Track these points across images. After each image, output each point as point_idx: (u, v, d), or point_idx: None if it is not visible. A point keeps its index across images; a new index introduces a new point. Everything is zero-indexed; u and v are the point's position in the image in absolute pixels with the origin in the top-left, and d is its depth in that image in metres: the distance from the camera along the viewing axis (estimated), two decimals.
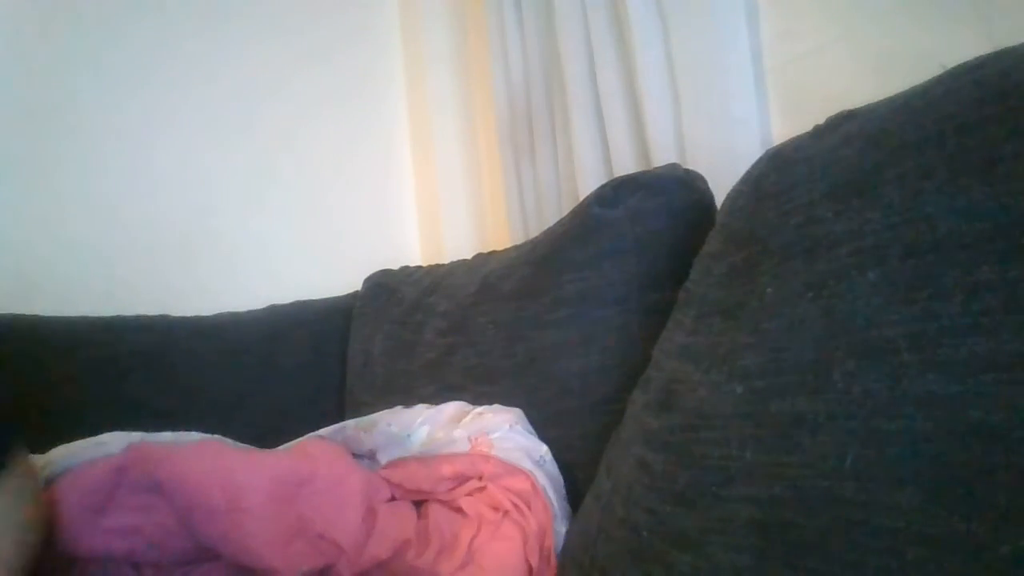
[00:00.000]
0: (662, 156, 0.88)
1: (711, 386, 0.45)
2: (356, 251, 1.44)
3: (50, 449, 0.71)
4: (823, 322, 0.39)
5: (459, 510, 0.66)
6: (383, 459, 0.76)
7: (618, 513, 0.50)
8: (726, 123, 0.82)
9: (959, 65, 0.39)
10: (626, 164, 0.95)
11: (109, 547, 0.61)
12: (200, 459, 0.64)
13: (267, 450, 0.73)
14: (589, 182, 1.00)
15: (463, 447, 0.70)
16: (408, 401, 0.89)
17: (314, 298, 1.29)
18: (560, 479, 0.69)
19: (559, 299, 0.73)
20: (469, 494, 0.67)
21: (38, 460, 0.70)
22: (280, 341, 1.18)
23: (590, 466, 0.61)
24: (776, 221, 0.45)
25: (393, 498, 0.71)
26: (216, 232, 1.34)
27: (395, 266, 1.23)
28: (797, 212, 0.43)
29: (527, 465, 0.67)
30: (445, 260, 1.15)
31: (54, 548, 0.59)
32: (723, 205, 0.54)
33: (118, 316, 1.09)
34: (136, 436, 0.76)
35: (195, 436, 0.80)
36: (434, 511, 0.67)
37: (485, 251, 1.02)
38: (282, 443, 0.81)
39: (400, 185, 1.58)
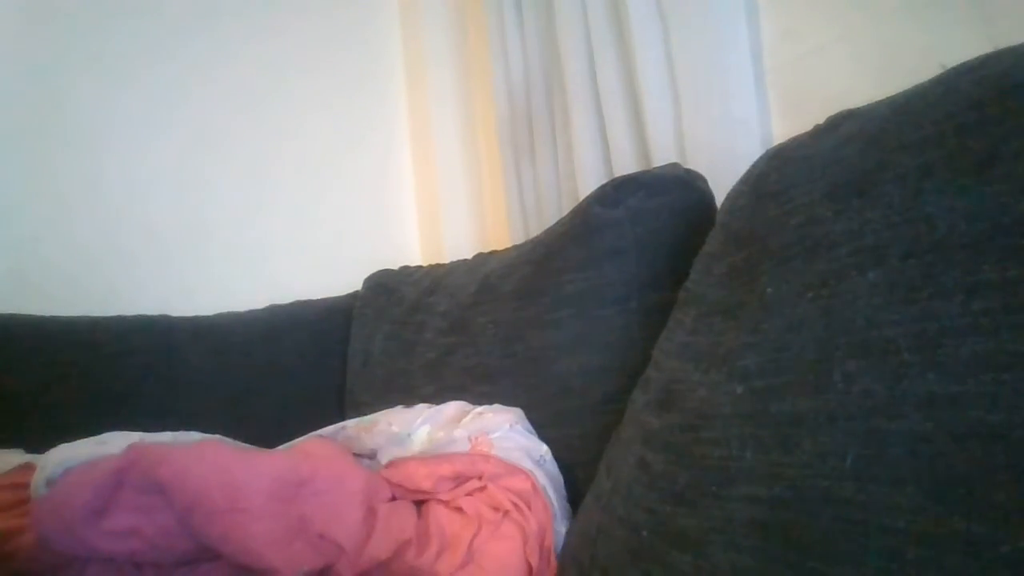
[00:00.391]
0: (662, 156, 0.88)
1: (711, 386, 0.45)
2: (356, 251, 1.44)
3: (50, 449, 0.71)
4: (823, 322, 0.39)
5: (459, 510, 0.66)
6: (383, 459, 0.76)
7: (618, 513, 0.50)
8: (726, 123, 0.82)
9: (959, 65, 0.39)
10: (626, 164, 0.95)
11: (110, 548, 0.61)
12: (200, 459, 0.63)
13: (267, 450, 0.73)
14: (589, 182, 1.00)
15: (463, 447, 0.70)
16: (408, 401, 0.89)
17: (314, 298, 1.29)
18: (560, 479, 0.69)
19: (559, 299, 0.73)
20: (469, 494, 0.67)
21: (38, 460, 0.70)
22: (280, 341, 1.18)
23: (590, 466, 0.61)
24: (776, 221, 0.45)
25: (394, 498, 0.71)
26: (216, 232, 1.34)
27: (395, 266, 1.23)
28: (797, 212, 0.43)
29: (527, 465, 0.67)
30: (445, 260, 1.15)
31: (55, 549, 0.59)
32: (723, 205, 0.54)
33: (118, 316, 1.09)
34: (136, 436, 0.76)
35: (195, 436, 0.80)
36: (434, 511, 0.67)
37: (485, 251, 1.02)
38: (282, 443, 0.81)
39: (400, 185, 1.58)
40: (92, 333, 1.05)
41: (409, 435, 0.78)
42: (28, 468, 0.70)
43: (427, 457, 0.71)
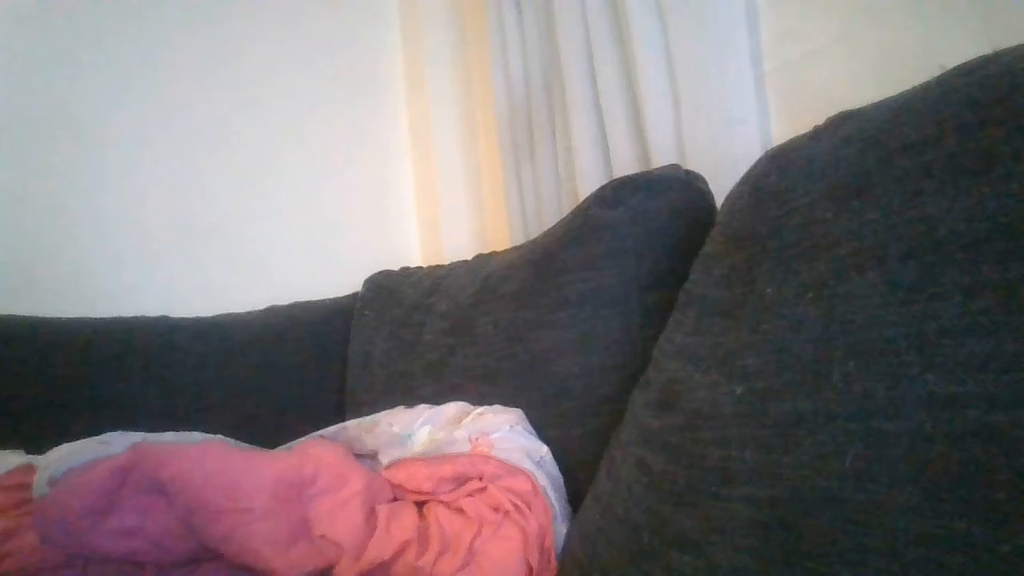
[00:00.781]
0: (662, 156, 0.89)
1: (711, 386, 0.45)
2: (356, 252, 1.44)
3: (50, 450, 0.72)
4: (823, 322, 0.39)
5: (460, 511, 0.66)
6: (384, 459, 0.77)
7: (618, 513, 0.50)
8: (726, 124, 0.82)
9: (959, 65, 0.39)
10: (626, 165, 0.95)
11: (112, 547, 0.62)
12: (202, 460, 0.64)
13: (269, 450, 0.73)
14: (589, 183, 1.00)
15: (464, 447, 0.70)
16: (409, 402, 0.90)
17: (314, 299, 1.29)
18: (560, 479, 0.69)
19: (559, 300, 0.73)
20: (470, 495, 0.67)
21: (38, 461, 0.70)
22: (280, 342, 1.18)
23: (590, 466, 0.61)
24: (776, 221, 0.45)
25: (395, 499, 0.72)
26: (216, 233, 1.34)
27: (395, 267, 1.23)
28: (797, 212, 0.43)
29: (527, 465, 0.67)
30: (445, 261, 1.15)
31: (57, 548, 0.59)
32: (723, 205, 0.54)
33: (118, 317, 1.09)
34: (138, 436, 0.76)
35: (197, 436, 0.80)
36: (435, 512, 0.67)
37: (485, 252, 1.03)
38: (282, 444, 0.81)
39: (400, 186, 1.58)
40: (92, 334, 1.05)
41: (410, 436, 0.78)
42: (28, 469, 0.70)
43: (428, 458, 0.71)
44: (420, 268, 1.18)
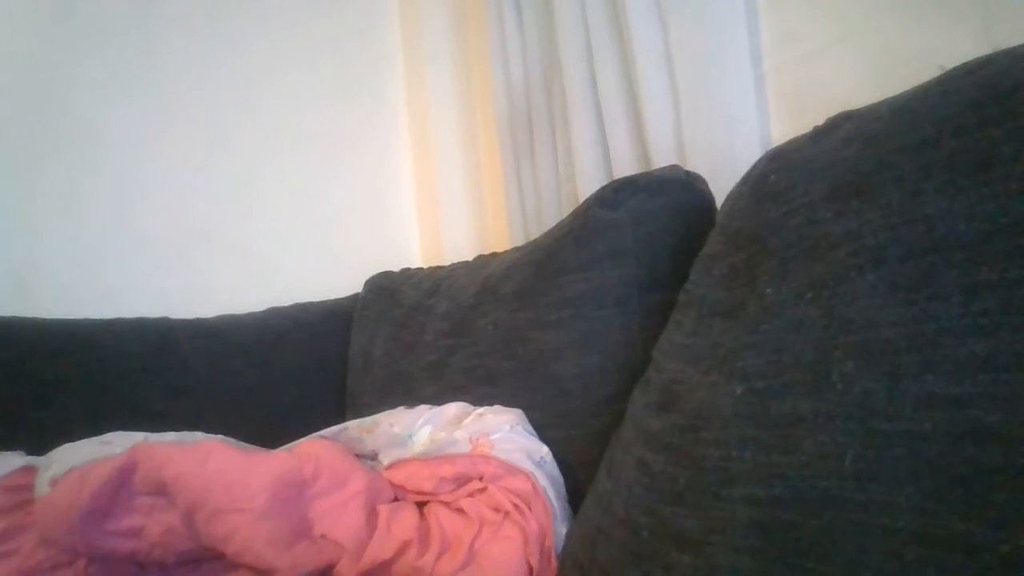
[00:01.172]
0: (662, 157, 0.89)
1: (711, 387, 0.45)
2: (356, 253, 1.44)
3: (50, 450, 0.72)
4: (823, 322, 0.39)
5: (460, 511, 0.66)
6: (385, 460, 0.77)
7: (618, 514, 0.50)
8: (726, 124, 0.82)
9: (958, 66, 0.39)
10: (626, 165, 0.95)
11: (113, 547, 0.62)
12: (203, 460, 0.64)
13: (270, 450, 0.73)
14: (589, 183, 1.00)
15: (464, 448, 0.70)
16: (409, 402, 0.90)
17: (314, 300, 1.29)
18: (561, 480, 0.69)
19: (560, 300, 0.73)
20: (470, 495, 0.67)
21: (39, 462, 0.70)
22: (280, 343, 1.18)
23: (591, 467, 0.62)
24: (776, 222, 0.45)
25: (396, 499, 0.72)
26: (216, 234, 1.34)
27: (395, 268, 1.23)
28: (797, 213, 0.43)
29: (528, 466, 0.67)
30: (445, 261, 1.15)
31: (58, 547, 0.59)
32: (723, 206, 0.54)
33: (118, 318, 1.09)
34: (140, 436, 0.76)
35: (199, 436, 0.80)
36: (436, 512, 0.67)
37: (485, 253, 1.03)
38: (283, 444, 0.81)
39: (400, 187, 1.58)
40: (92, 335, 1.04)
41: (410, 436, 0.78)
42: (29, 471, 0.70)
43: (428, 458, 0.71)
44: (420, 269, 1.18)
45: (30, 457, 0.74)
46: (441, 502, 0.69)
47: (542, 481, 0.66)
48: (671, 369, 0.51)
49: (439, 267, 1.12)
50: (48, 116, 1.20)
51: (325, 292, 1.31)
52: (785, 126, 0.81)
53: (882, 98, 0.44)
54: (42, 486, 0.64)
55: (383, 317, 1.10)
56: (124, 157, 1.26)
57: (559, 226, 0.79)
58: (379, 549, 0.63)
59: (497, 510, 0.64)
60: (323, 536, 0.64)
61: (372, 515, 0.66)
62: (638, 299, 0.68)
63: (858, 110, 0.45)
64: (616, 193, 0.71)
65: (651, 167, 0.89)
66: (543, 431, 0.73)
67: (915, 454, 0.32)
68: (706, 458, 0.43)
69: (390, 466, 0.74)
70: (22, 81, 1.19)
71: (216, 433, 0.82)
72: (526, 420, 0.74)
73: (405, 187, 1.58)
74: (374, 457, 0.79)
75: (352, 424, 0.85)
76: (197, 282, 1.30)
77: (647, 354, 0.57)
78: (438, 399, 0.86)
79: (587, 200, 0.75)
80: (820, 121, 0.48)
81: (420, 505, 0.70)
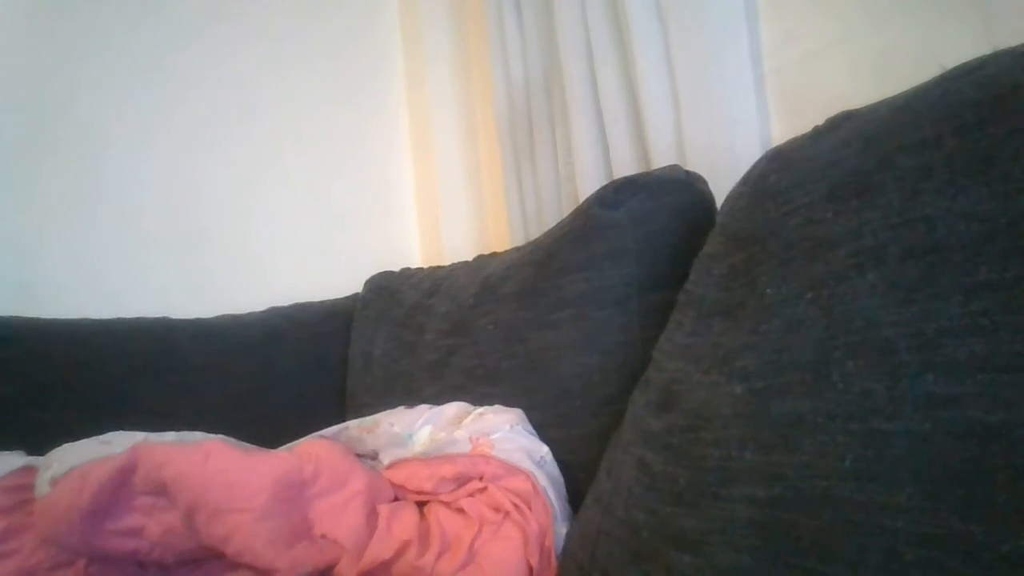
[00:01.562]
0: (662, 157, 0.89)
1: (711, 387, 0.45)
2: (356, 253, 1.44)
3: (50, 450, 0.72)
4: (823, 322, 0.39)
5: (460, 511, 0.66)
6: (385, 459, 0.77)
7: (618, 513, 0.50)
8: (726, 124, 0.82)
9: (958, 66, 0.39)
10: (626, 165, 0.95)
11: (113, 547, 0.62)
12: (204, 460, 0.64)
13: (270, 450, 0.73)
14: (589, 183, 1.00)
15: (464, 448, 0.70)
16: (409, 402, 0.90)
17: (314, 300, 1.29)
18: (561, 480, 0.69)
19: (560, 300, 0.73)
20: (470, 495, 0.67)
21: (39, 462, 0.70)
22: (281, 343, 1.18)
23: (591, 467, 0.62)
24: (776, 221, 0.45)
25: (396, 499, 0.72)
26: (216, 234, 1.34)
27: (395, 268, 1.23)
28: (797, 212, 0.43)
29: (528, 466, 0.67)
30: (445, 261, 1.15)
31: (58, 547, 0.59)
32: (723, 206, 0.54)
33: (118, 318, 1.09)
34: (140, 436, 0.76)
35: (199, 436, 0.80)
36: (436, 512, 0.67)
37: (486, 253, 1.03)
38: (283, 444, 0.81)
39: (400, 187, 1.58)
40: (92, 336, 1.05)
41: (411, 436, 0.78)
42: (29, 471, 0.70)
43: (429, 458, 0.71)
44: (420, 269, 1.18)
45: (30, 457, 0.75)
46: (441, 502, 0.69)
47: (542, 481, 0.66)
48: (671, 369, 0.51)
49: (439, 267, 1.12)
50: (48, 116, 1.20)
51: (325, 292, 1.31)
52: (785, 126, 0.81)
53: (882, 98, 0.44)
54: (42, 486, 0.64)
55: (383, 317, 1.10)
56: (124, 158, 1.26)
57: (559, 226, 0.79)
58: (379, 549, 0.63)
59: (497, 510, 0.64)
60: (323, 536, 0.64)
61: (372, 515, 0.66)
62: (638, 299, 0.68)
63: (858, 110, 0.45)
64: (616, 193, 0.71)
65: (651, 167, 0.89)
66: (543, 431, 0.73)
67: (915, 454, 0.32)
68: (706, 458, 0.43)
69: (390, 466, 0.74)
70: (22, 81, 1.19)
71: (216, 433, 0.82)
72: (526, 420, 0.74)
73: (405, 187, 1.58)
74: (374, 457, 0.79)
75: (352, 424, 0.85)
76: (197, 282, 1.30)
77: (647, 354, 0.57)
78: (438, 399, 0.86)
79: (587, 200, 0.75)
80: (820, 121, 0.48)
81: (420, 505, 0.70)
